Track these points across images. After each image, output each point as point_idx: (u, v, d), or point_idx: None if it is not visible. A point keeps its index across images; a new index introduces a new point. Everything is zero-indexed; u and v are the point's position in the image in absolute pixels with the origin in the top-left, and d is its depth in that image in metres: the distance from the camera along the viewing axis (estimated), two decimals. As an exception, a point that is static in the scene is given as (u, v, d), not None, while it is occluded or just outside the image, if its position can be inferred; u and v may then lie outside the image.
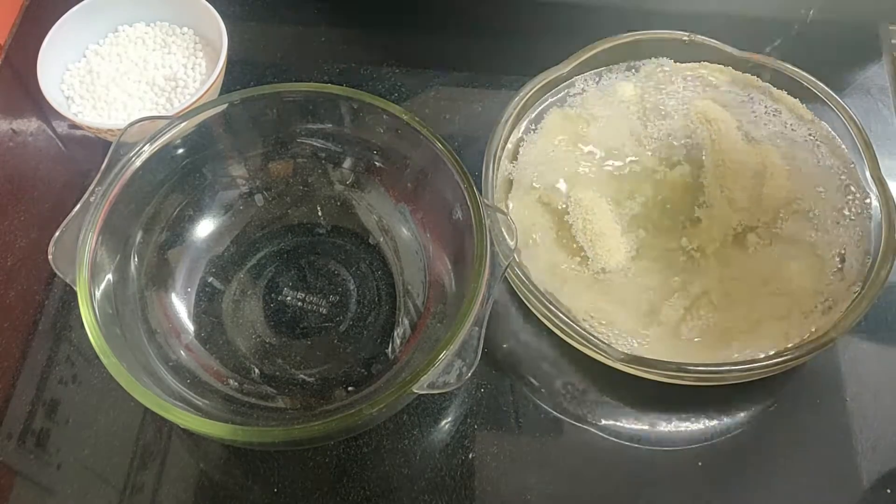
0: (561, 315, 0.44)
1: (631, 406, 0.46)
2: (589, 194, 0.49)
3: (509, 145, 0.52)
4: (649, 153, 0.52)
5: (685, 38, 0.54)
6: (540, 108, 0.53)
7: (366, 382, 0.44)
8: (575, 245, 0.48)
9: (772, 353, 0.44)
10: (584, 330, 0.44)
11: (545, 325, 0.46)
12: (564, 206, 0.49)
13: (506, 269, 0.41)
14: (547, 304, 0.44)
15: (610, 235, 0.48)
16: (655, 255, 0.48)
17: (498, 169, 0.50)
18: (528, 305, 0.46)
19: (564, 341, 0.45)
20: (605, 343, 0.43)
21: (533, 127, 0.53)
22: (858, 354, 0.48)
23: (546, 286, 0.46)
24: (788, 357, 0.42)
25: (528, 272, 0.46)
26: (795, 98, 0.53)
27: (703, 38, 0.54)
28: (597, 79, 0.54)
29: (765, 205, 0.49)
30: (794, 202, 0.49)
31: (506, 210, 0.49)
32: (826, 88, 0.52)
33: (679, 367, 0.42)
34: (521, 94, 0.51)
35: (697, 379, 0.43)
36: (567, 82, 0.54)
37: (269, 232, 0.50)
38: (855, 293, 0.45)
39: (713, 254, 0.48)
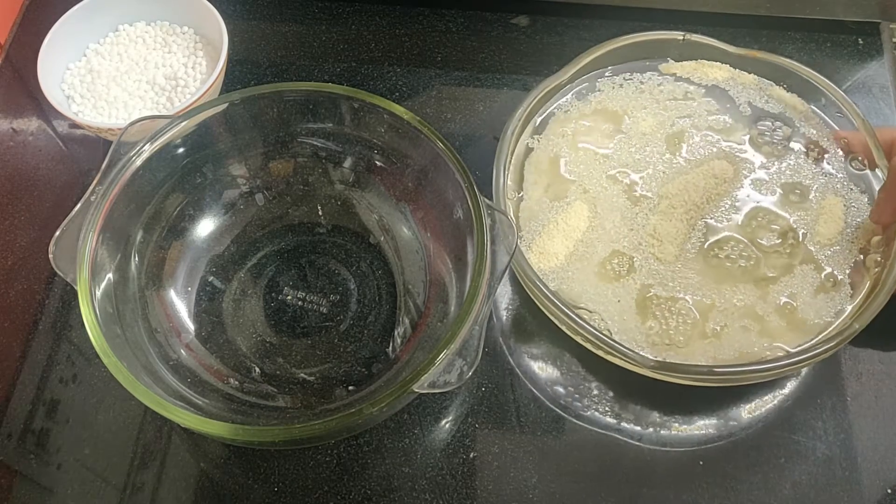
0: (585, 325, 0.43)
1: (633, 405, 0.46)
2: (582, 207, 0.49)
3: (518, 149, 0.51)
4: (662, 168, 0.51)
5: (679, 37, 0.54)
6: (545, 115, 0.53)
7: (366, 381, 0.44)
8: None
9: (795, 349, 0.44)
10: (610, 338, 0.43)
11: (545, 324, 0.46)
12: (559, 204, 0.49)
13: (506, 268, 0.41)
14: (567, 313, 0.43)
15: (558, 243, 0.48)
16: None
17: (508, 176, 0.49)
18: (548, 315, 0.45)
19: (565, 339, 0.45)
20: (632, 351, 0.42)
21: (538, 133, 0.52)
22: (858, 354, 0.48)
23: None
24: (818, 351, 0.42)
25: (535, 272, 0.46)
26: (792, 93, 0.53)
27: (698, 36, 0.54)
28: (597, 84, 0.54)
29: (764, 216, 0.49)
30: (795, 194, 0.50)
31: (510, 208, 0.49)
32: (828, 81, 0.51)
33: (710, 371, 0.42)
34: (525, 102, 0.51)
35: (721, 381, 0.43)
36: (567, 87, 0.54)
37: (270, 231, 0.50)
38: (868, 286, 0.45)
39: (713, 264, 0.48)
